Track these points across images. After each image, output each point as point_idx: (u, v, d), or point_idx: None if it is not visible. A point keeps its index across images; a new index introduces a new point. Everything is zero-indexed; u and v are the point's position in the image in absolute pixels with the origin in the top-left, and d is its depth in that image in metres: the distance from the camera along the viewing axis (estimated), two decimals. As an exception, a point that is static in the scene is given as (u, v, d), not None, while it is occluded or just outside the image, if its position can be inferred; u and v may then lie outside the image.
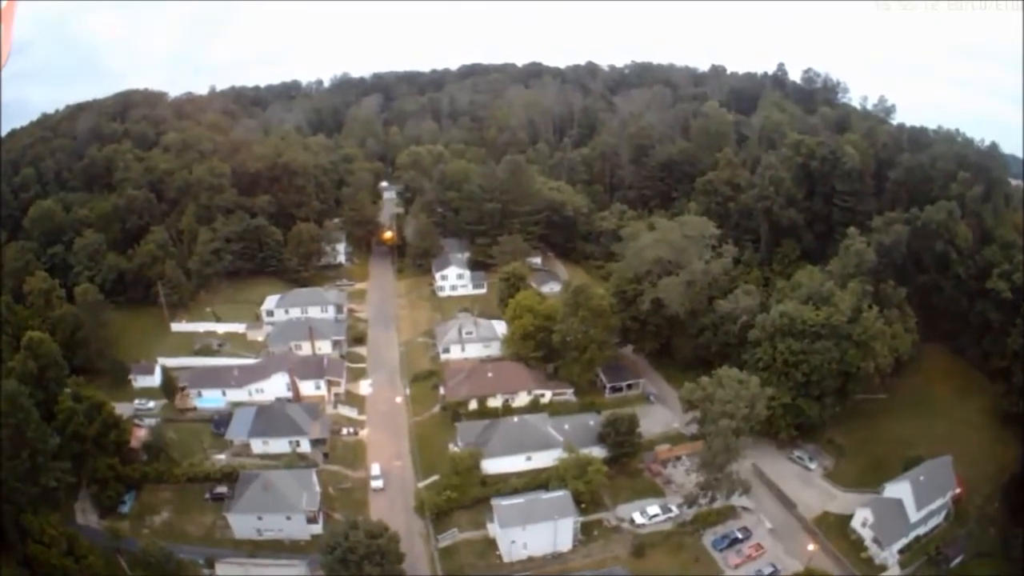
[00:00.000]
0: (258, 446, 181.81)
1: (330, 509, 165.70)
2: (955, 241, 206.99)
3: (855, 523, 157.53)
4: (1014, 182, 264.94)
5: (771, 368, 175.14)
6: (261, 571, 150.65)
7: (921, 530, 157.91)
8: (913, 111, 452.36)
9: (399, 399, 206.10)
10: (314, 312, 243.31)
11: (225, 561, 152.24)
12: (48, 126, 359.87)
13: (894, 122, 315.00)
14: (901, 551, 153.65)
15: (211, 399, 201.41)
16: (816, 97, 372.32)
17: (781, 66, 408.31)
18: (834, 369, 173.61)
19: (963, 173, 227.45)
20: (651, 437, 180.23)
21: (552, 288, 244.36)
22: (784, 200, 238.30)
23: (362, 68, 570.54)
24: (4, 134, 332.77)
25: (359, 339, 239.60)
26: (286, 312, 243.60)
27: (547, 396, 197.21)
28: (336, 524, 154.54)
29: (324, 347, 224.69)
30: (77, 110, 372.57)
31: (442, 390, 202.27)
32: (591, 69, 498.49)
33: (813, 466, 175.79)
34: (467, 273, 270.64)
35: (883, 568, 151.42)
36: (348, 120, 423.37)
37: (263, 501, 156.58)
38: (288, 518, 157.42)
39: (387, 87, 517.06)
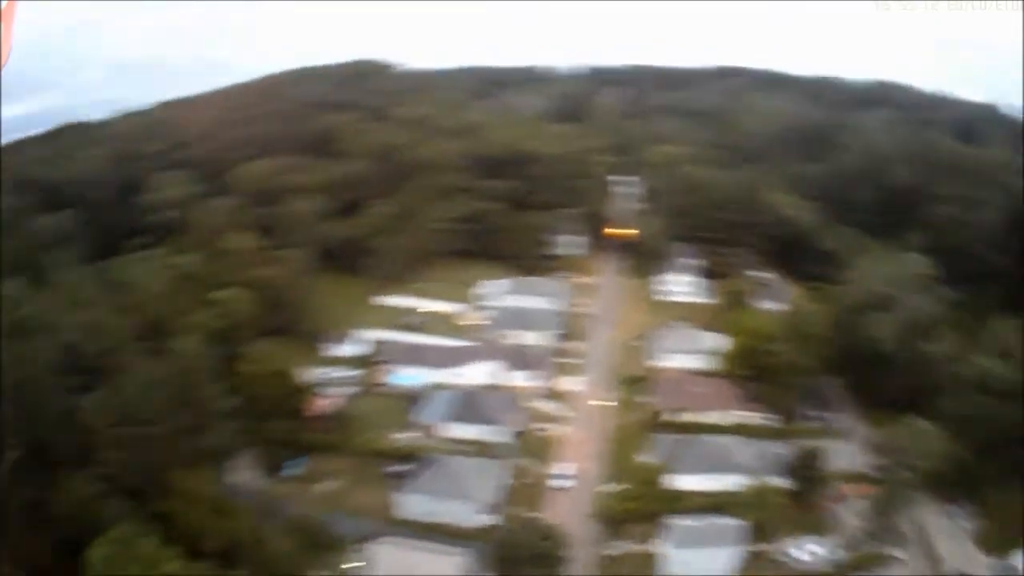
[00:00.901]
0: (450, 430, 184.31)
1: (508, 502, 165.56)
2: None
3: None
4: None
5: (956, 421, 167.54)
6: (420, 555, 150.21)
7: None
8: None
9: (602, 401, 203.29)
10: (533, 302, 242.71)
11: (385, 540, 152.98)
12: (268, 88, 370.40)
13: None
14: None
15: (407, 376, 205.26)
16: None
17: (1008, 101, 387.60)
18: (1015, 431, 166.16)
19: None
20: (831, 472, 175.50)
21: (772, 305, 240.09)
22: (996, 244, 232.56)
23: (606, 57, 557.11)
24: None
25: (574, 334, 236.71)
26: (504, 299, 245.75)
27: (746, 418, 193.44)
28: (509, 519, 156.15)
29: (537, 338, 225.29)
30: (302, 75, 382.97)
31: (646, 398, 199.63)
32: (830, 83, 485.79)
33: (968, 526, 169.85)
34: (692, 280, 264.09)
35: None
36: (590, 110, 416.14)
37: (441, 486, 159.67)
38: (462, 506, 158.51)
39: (631, 79, 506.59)
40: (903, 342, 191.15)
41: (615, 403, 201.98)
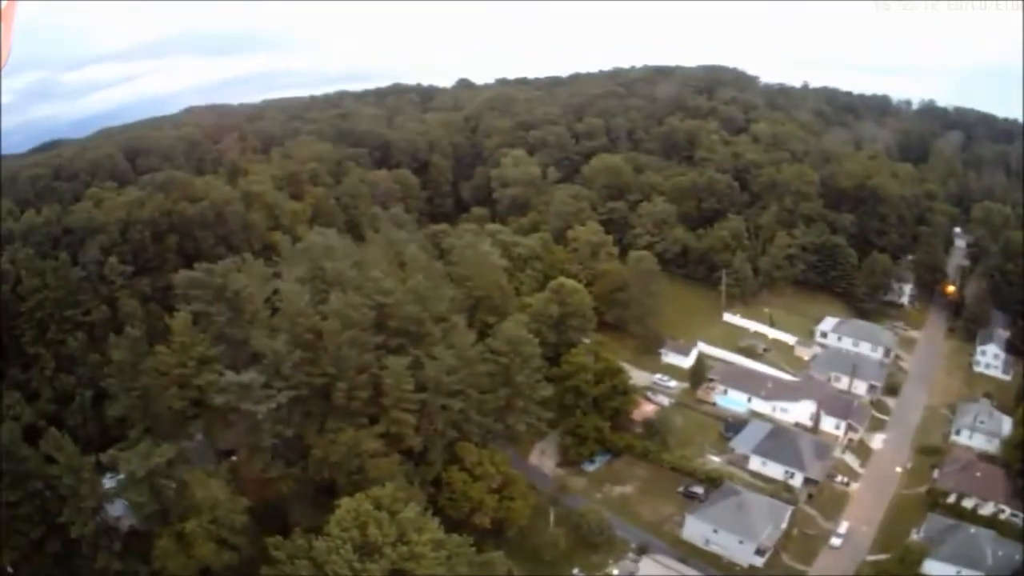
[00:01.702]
0: (755, 464, 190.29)
1: (782, 548, 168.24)
2: None
3: None
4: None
5: None
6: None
7: None
8: None
9: (899, 466, 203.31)
10: (863, 348, 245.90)
11: (655, 556, 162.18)
12: (623, 82, 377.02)
13: None
14: None
15: (734, 401, 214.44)
16: None
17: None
18: None
19: None
20: None
21: None
22: None
23: (942, 96, 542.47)
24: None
25: (892, 389, 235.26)
26: (838, 339, 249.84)
27: (1007, 513, 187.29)
28: (777, 567, 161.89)
29: (859, 387, 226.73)
30: (657, 73, 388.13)
31: (936, 472, 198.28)
32: None
33: None
34: (1002, 355, 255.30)
35: None
36: (933, 153, 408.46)
37: (728, 517, 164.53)
38: (741, 542, 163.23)
39: (969, 125, 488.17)
40: None
41: (908, 470, 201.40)
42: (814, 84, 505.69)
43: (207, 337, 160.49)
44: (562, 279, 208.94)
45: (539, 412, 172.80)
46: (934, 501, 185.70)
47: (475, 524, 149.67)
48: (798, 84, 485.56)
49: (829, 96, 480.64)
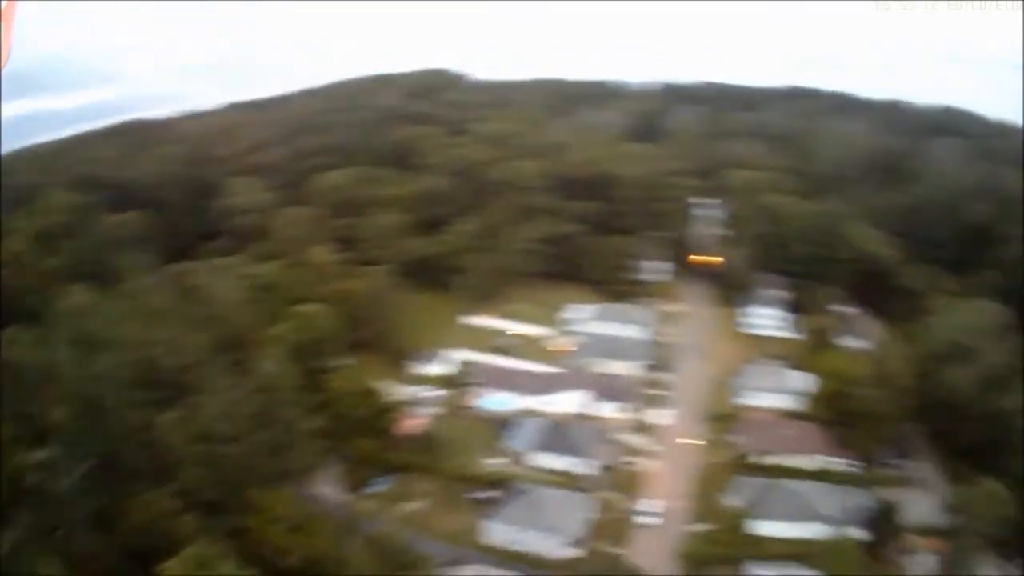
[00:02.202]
0: (538, 459, 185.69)
1: (592, 536, 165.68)
2: None
3: None
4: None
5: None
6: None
7: None
8: None
9: (689, 437, 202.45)
10: (620, 330, 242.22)
11: (467, 567, 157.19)
12: (345, 95, 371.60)
13: None
14: None
15: (496, 401, 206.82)
16: None
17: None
18: None
19: None
20: (909, 523, 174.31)
21: (856, 343, 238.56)
22: None
23: (675, 73, 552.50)
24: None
25: (661, 365, 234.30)
26: (591, 325, 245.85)
27: (829, 463, 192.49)
28: (593, 553, 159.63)
29: (626, 368, 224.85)
30: (376, 82, 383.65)
31: (734, 437, 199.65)
32: (899, 108, 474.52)
33: None
34: (778, 314, 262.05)
35: None
36: (667, 130, 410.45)
37: (528, 516, 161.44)
38: (546, 537, 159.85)
39: (703, 98, 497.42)
40: (982, 395, 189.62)
41: (702, 441, 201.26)
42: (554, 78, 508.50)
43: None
44: (306, 305, 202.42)
45: (313, 443, 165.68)
46: (739, 464, 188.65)
47: (284, 568, 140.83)
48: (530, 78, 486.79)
49: (554, 87, 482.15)
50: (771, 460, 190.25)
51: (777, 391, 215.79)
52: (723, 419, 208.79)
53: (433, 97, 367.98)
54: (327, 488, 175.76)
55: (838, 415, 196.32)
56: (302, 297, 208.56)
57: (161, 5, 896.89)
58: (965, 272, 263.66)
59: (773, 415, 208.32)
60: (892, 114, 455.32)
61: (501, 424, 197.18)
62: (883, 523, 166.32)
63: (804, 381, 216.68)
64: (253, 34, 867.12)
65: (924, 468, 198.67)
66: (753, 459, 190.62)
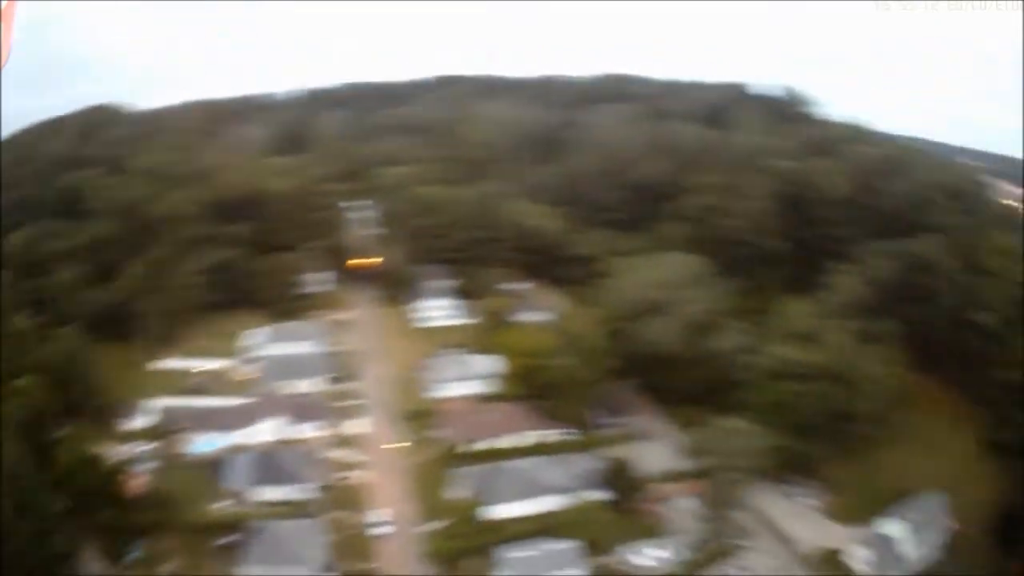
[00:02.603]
0: (259, 494, 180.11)
1: (339, 558, 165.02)
2: (943, 273, 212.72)
3: (852, 558, 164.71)
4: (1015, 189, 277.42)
5: (765, 410, 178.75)
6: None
7: (918, 564, 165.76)
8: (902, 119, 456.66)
9: (393, 440, 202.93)
10: (298, 348, 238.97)
11: None
12: (23, 146, 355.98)
13: (876, 139, 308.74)
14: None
15: (205, 443, 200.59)
16: (789, 112, 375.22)
17: (753, 77, 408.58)
18: (828, 410, 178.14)
19: (946, 200, 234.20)
20: (648, 475, 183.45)
21: (536, 317, 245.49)
22: (765, 228, 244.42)
23: (329, 78, 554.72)
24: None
25: (347, 376, 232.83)
26: (271, 347, 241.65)
27: (544, 437, 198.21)
28: (345, 574, 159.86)
29: (313, 385, 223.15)
30: (47, 128, 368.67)
31: (437, 432, 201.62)
32: (555, 82, 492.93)
33: (810, 503, 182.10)
34: (449, 303, 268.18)
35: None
36: (315, 137, 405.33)
37: (272, 552, 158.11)
38: (296, 569, 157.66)
39: (349, 99, 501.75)
40: (688, 341, 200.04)
41: (407, 442, 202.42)
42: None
43: None
44: (19, 381, 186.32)
45: (67, 528, 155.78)
46: (452, 457, 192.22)
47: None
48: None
49: (203, 108, 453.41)
50: (482, 446, 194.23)
51: (467, 378, 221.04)
52: (421, 416, 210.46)
53: (95, 136, 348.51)
54: (94, 566, 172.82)
55: (536, 389, 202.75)
56: (15, 371, 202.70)
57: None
58: (643, 229, 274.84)
59: (470, 402, 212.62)
60: (547, 89, 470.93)
61: (215, 466, 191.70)
62: (619, 480, 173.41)
63: (491, 363, 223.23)
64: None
65: (646, 421, 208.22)
66: (463, 449, 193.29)
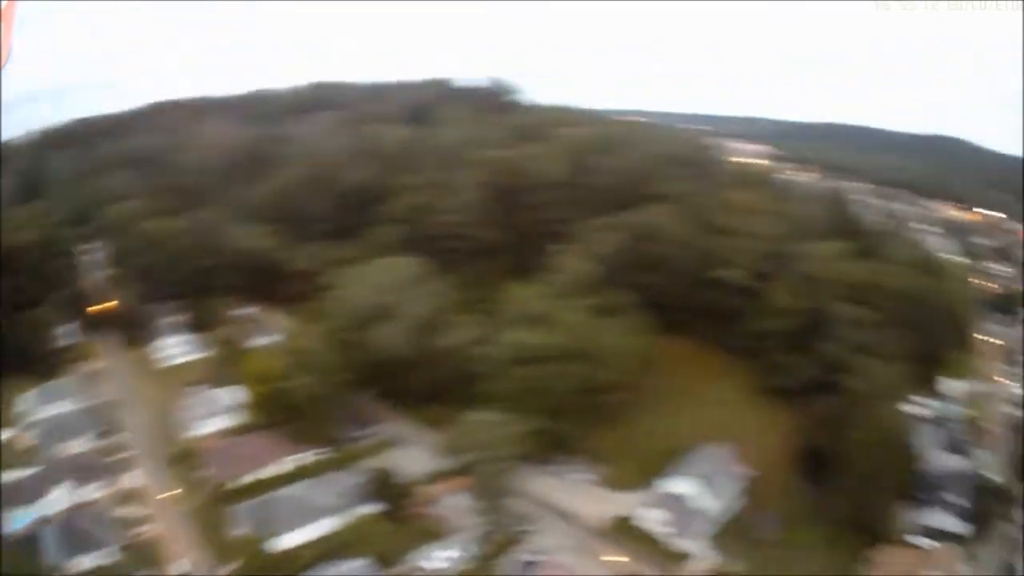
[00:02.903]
0: (75, 566, 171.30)
1: None
2: (673, 239, 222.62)
3: (647, 522, 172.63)
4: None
5: (513, 396, 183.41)
6: None
7: (722, 514, 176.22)
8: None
9: (166, 487, 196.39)
10: (66, 405, 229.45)
11: None
12: None
13: (589, 120, 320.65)
14: (705, 538, 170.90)
15: (17, 519, 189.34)
16: (496, 103, 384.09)
17: (458, 71, 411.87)
18: (574, 386, 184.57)
19: (675, 169, 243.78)
20: (413, 479, 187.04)
21: (269, 340, 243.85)
22: (479, 220, 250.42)
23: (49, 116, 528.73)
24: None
25: (111, 428, 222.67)
26: (42, 410, 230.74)
27: (301, 460, 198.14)
28: None
29: (85, 443, 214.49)
30: None
31: (203, 472, 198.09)
32: (261, 96, 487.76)
33: (584, 478, 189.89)
34: (185, 338, 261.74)
35: (686, 557, 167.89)
36: (47, 182, 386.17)
37: None
38: None
39: (82, 136, 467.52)
40: (418, 342, 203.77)
41: (178, 487, 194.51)
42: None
43: None
44: None
45: None
46: (222, 495, 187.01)
47: None
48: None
49: None
50: (248, 479, 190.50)
51: (217, 413, 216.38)
52: (185, 459, 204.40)
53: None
54: None
55: (280, 414, 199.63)
56: None
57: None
58: (358, 236, 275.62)
59: (226, 437, 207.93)
60: (255, 105, 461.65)
61: (31, 542, 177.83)
62: (386, 489, 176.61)
63: (235, 394, 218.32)
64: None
65: (397, 427, 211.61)
66: (231, 485, 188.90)
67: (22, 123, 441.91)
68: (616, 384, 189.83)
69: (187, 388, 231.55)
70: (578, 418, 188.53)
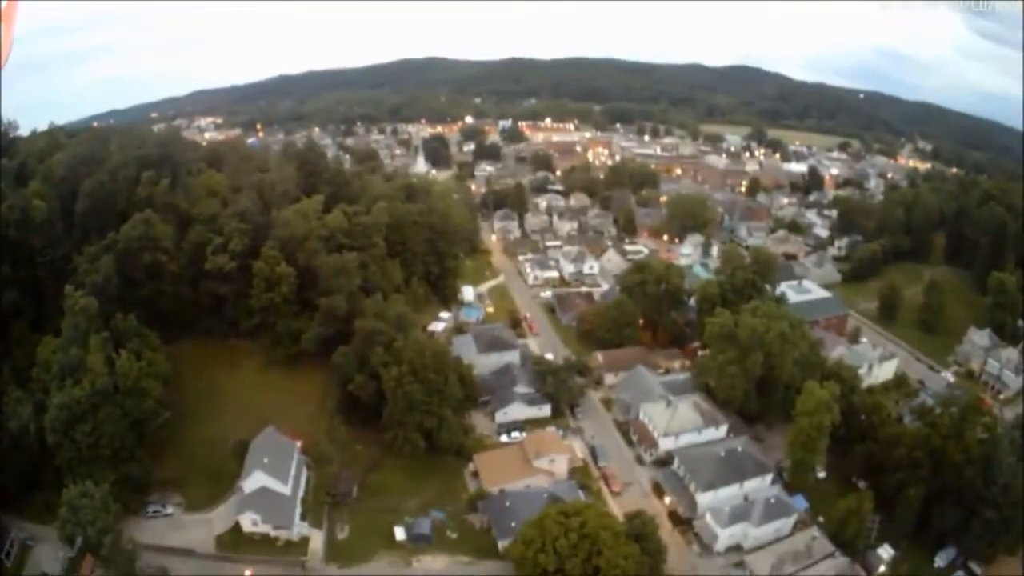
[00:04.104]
0: None
1: None
2: (160, 245, 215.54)
3: (248, 524, 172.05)
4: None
5: (84, 460, 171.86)
6: None
7: (301, 491, 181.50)
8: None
9: None
10: None
11: None
12: None
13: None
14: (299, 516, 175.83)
15: None
16: None
17: None
18: (127, 422, 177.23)
19: (147, 172, 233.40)
20: None
21: None
22: None
23: None
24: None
25: None
26: None
27: None
28: None
29: None
30: None
31: None
32: None
33: (173, 509, 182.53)
34: None
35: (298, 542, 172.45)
36: None
37: None
38: None
39: None
40: None
41: None
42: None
43: None
44: None
45: None
46: None
47: None
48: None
49: None
50: None
51: None
52: None
53: None
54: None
55: None
56: None
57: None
58: None
59: None
60: None
61: None
62: None
63: None
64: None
65: None
66: None
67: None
68: (154, 410, 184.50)
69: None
70: (140, 452, 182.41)
